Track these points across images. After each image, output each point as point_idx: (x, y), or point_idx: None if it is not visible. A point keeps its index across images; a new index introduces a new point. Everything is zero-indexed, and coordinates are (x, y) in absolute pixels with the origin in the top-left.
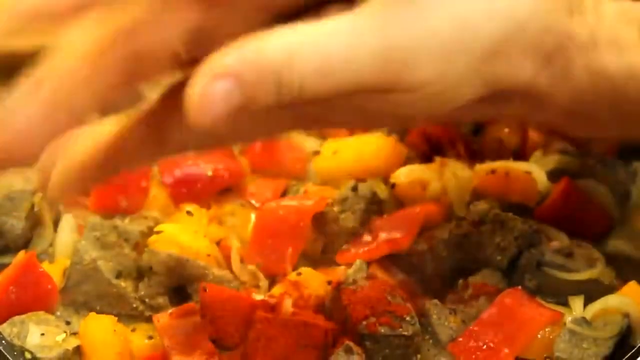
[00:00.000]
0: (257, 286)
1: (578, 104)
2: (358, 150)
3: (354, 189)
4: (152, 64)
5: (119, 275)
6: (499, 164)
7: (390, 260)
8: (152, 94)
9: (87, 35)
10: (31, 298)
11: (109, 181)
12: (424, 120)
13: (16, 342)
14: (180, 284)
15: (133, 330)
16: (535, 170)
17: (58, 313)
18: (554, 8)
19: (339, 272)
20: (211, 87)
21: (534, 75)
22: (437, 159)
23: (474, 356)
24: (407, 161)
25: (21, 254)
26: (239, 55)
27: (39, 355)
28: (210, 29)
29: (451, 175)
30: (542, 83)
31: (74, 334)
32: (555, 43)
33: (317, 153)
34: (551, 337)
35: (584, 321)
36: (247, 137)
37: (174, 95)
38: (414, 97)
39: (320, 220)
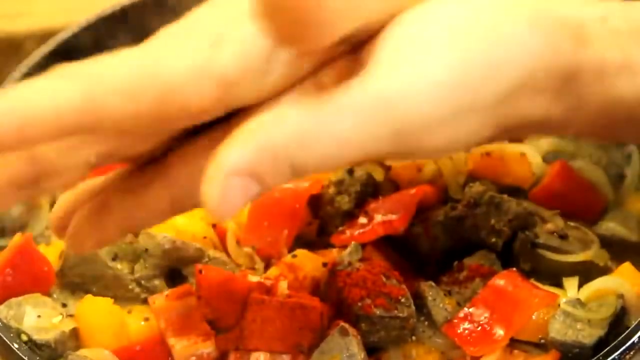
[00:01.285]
0: (253, 268)
1: (594, 126)
2: None
3: (350, 171)
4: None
5: (115, 258)
6: (494, 146)
7: (386, 242)
8: None
9: None
10: (28, 280)
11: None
12: None
13: (13, 323)
14: (176, 266)
15: (129, 312)
16: (530, 152)
17: (54, 295)
18: (561, 43)
19: (335, 254)
20: (228, 185)
21: (545, 110)
22: None
23: (468, 337)
24: None
25: (17, 237)
26: (250, 148)
27: (35, 337)
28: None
29: (446, 157)
30: (555, 115)
31: (71, 316)
32: (565, 78)
33: None
34: (546, 318)
35: (578, 302)
36: None
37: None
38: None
39: (316, 202)
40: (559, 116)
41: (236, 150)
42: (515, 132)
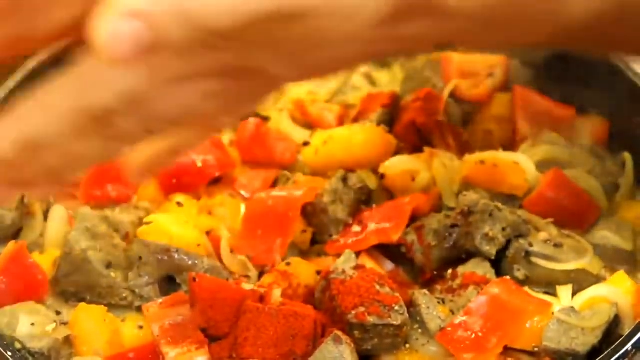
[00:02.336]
0: (247, 276)
1: (483, 10)
2: (348, 141)
3: (344, 179)
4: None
5: (109, 266)
6: (488, 155)
7: (380, 250)
8: None
9: None
10: (21, 288)
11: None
12: (352, 58)
13: (6, 332)
14: (170, 274)
15: (123, 320)
16: (524, 161)
17: (48, 303)
18: None
19: (328, 262)
20: (119, 26)
21: None
22: (427, 149)
23: (462, 345)
24: (396, 152)
25: (11, 244)
26: None
27: (29, 345)
28: None
29: (440, 165)
30: None
31: (64, 324)
32: None
33: (307, 144)
34: (540, 326)
35: (572, 311)
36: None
37: None
38: (321, 22)
39: (309, 210)
40: None
41: None
42: (407, 15)
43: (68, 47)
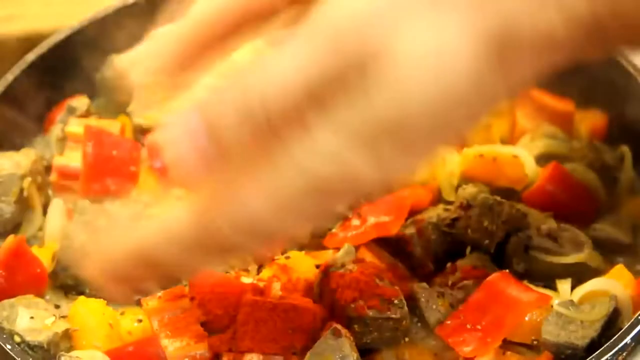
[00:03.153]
0: (246, 270)
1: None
2: None
3: None
4: None
5: None
6: (487, 148)
7: (379, 244)
8: None
9: None
10: (21, 282)
11: None
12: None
13: (5, 325)
14: None
15: (122, 313)
16: (523, 155)
17: (47, 297)
18: None
19: (328, 256)
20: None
21: None
22: None
23: (461, 339)
24: None
25: (10, 238)
26: None
27: (28, 338)
28: None
29: (439, 159)
30: None
31: (63, 317)
32: None
33: None
34: (539, 320)
35: (571, 304)
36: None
37: None
38: None
39: None
40: None
41: None
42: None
43: (64, 40)
